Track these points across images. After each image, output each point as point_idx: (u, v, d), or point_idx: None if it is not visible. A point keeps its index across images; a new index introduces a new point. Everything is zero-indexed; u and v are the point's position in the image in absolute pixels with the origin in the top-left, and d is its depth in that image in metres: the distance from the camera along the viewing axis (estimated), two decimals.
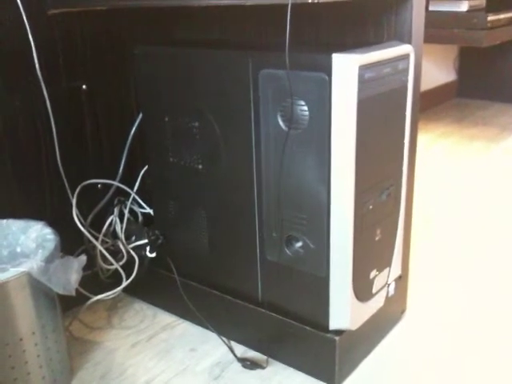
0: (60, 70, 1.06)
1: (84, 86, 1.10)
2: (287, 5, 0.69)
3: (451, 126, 2.53)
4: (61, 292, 0.86)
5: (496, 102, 2.87)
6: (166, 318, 1.13)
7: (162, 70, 0.98)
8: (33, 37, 0.95)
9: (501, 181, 1.85)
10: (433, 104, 2.77)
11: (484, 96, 2.91)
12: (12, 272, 0.81)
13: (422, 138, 2.31)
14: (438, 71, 2.87)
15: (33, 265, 0.82)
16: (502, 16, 2.19)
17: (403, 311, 1.11)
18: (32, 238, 0.93)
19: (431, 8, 2.21)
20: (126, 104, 1.17)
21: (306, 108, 0.79)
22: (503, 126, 2.50)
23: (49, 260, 0.85)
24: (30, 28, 0.94)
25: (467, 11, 2.15)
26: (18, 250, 0.95)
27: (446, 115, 2.71)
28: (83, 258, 0.91)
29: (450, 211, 1.63)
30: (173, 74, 0.96)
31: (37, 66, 0.97)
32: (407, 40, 0.86)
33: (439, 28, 2.13)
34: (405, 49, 0.83)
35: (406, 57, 0.83)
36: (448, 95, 2.96)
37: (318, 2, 0.66)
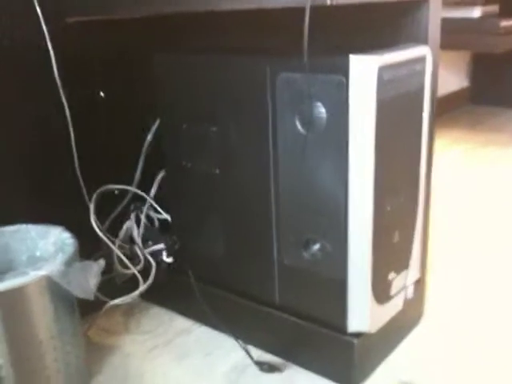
0: (78, 77, 1.07)
1: (101, 93, 1.11)
2: (304, 8, 0.70)
3: (465, 132, 2.53)
4: (80, 296, 0.86)
5: (510, 109, 2.86)
6: (182, 322, 1.13)
7: (179, 76, 0.99)
8: (52, 44, 0.96)
9: None
10: (446, 110, 2.77)
11: (497, 102, 2.90)
12: (32, 275, 0.82)
13: (436, 144, 2.30)
14: (450, 77, 2.87)
15: (53, 268, 0.83)
16: None
17: (421, 315, 1.10)
18: (51, 243, 0.94)
19: (443, 14, 2.22)
20: (143, 110, 1.18)
21: (323, 110, 0.79)
22: None
23: (68, 264, 0.85)
24: (48, 35, 0.96)
25: (480, 17, 2.16)
26: (38, 254, 0.96)
27: (459, 121, 2.70)
28: (102, 262, 0.92)
29: (466, 217, 1.62)
30: (191, 80, 0.97)
31: (55, 72, 0.98)
32: (423, 42, 0.87)
33: (452, 34, 2.14)
34: (422, 50, 0.83)
35: (422, 58, 0.83)
36: (461, 102, 2.95)
37: (336, 4, 0.67)
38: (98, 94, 1.11)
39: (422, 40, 0.87)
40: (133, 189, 1.15)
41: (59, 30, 1.00)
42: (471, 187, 1.85)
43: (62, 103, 1.01)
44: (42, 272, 0.82)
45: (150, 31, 1.16)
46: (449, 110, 2.81)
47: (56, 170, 1.07)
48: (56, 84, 0.99)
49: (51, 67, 0.97)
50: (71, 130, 1.03)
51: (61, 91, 1.00)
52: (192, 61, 0.96)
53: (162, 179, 1.13)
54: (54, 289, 0.84)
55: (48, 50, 0.96)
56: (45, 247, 0.95)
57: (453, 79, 2.90)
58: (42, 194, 1.06)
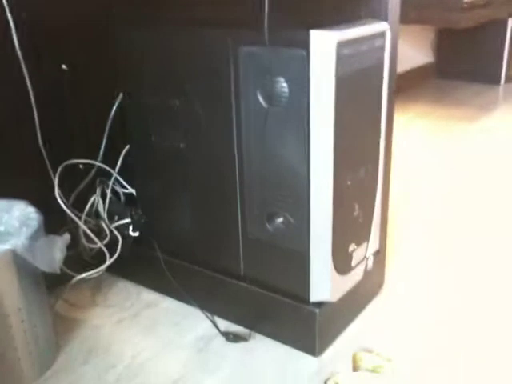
0: (40, 50, 1.05)
1: (64, 66, 1.10)
2: None
3: (429, 106, 2.57)
4: (46, 270, 0.87)
5: (473, 83, 2.91)
6: (150, 295, 1.15)
7: (142, 49, 0.98)
8: (12, 17, 0.95)
9: (478, 159, 1.89)
10: (411, 85, 2.80)
11: (462, 77, 2.95)
12: None
13: (400, 118, 2.34)
14: (415, 52, 2.89)
15: (17, 242, 0.83)
16: None
17: (381, 285, 1.14)
18: (16, 217, 0.94)
19: None
20: (107, 84, 1.17)
21: (285, 85, 0.80)
22: (480, 106, 2.54)
23: (33, 238, 0.86)
24: (8, 7, 0.94)
25: None
26: (2, 228, 0.95)
27: (424, 96, 2.74)
28: (67, 236, 0.92)
29: (427, 189, 1.66)
30: (154, 53, 0.97)
31: (16, 45, 0.96)
32: (383, 18, 0.88)
33: (417, 9, 2.15)
34: (381, 26, 0.85)
35: (382, 34, 0.85)
36: (426, 76, 2.99)
37: None
38: (61, 67, 1.10)
39: (382, 16, 0.88)
40: (98, 163, 1.15)
41: (20, 2, 0.98)
42: (435, 161, 1.89)
43: (24, 76, 1.00)
44: (7, 246, 0.83)
45: (113, 3, 1.14)
46: (414, 84, 2.84)
47: (19, 144, 1.06)
48: (17, 57, 0.98)
49: (12, 41, 0.96)
50: (33, 103, 1.02)
51: (22, 64, 0.99)
52: (155, 33, 0.96)
53: (127, 153, 1.13)
54: (20, 263, 0.85)
55: (8, 23, 0.95)
56: (9, 222, 0.95)
57: (418, 54, 2.93)
58: (6, 168, 1.05)
